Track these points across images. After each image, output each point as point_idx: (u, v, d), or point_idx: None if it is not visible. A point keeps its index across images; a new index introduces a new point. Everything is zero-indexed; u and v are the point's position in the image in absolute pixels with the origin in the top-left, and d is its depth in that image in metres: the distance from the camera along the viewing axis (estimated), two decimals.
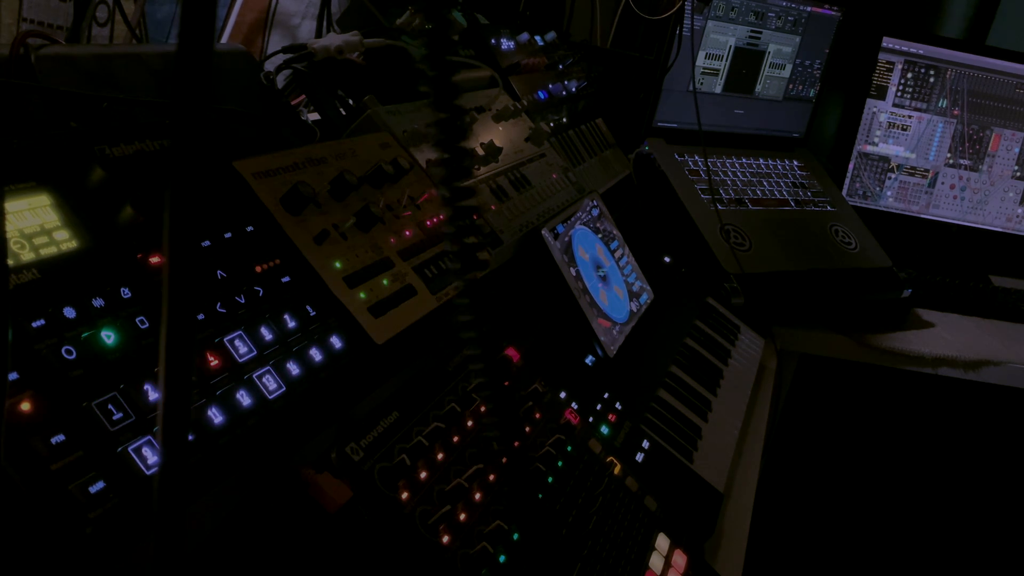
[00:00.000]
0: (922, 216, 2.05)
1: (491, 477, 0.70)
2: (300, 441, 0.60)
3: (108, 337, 0.52)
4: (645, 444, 0.95)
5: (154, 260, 0.58)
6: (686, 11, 1.68)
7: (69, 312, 0.51)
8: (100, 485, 0.46)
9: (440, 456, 0.68)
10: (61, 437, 0.46)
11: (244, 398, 0.57)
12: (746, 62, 1.83)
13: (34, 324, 0.49)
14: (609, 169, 1.55)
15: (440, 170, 0.34)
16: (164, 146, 0.66)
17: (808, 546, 2.25)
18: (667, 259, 1.49)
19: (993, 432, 2.25)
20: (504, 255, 0.98)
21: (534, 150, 1.24)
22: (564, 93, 1.50)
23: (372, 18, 1.17)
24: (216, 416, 0.55)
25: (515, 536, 0.67)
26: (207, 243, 0.64)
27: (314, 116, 1.04)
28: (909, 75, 1.98)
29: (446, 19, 0.33)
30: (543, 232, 1.03)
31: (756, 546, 1.06)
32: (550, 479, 0.76)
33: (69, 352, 0.49)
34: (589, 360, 1.01)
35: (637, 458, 0.92)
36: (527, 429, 0.79)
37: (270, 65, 1.02)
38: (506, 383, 0.38)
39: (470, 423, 0.73)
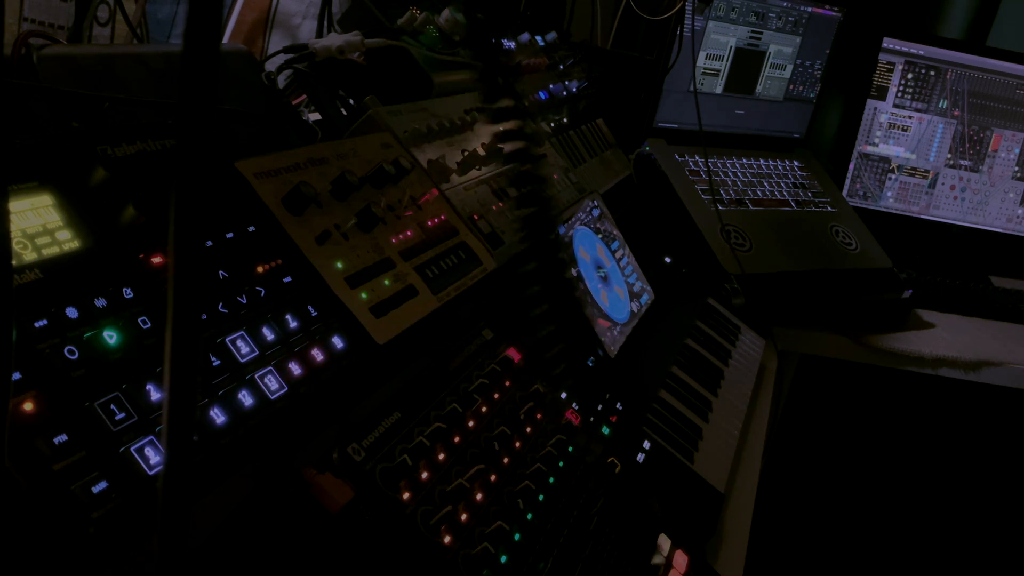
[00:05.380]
0: (922, 217, 2.05)
1: (492, 478, 0.70)
2: (302, 441, 0.60)
3: (110, 337, 0.52)
4: (646, 444, 0.95)
5: (156, 260, 0.58)
6: (687, 11, 1.68)
7: (71, 312, 0.51)
8: (103, 485, 0.46)
9: (441, 456, 0.68)
10: (64, 437, 0.46)
11: (246, 398, 0.57)
12: (747, 62, 1.83)
13: (37, 324, 0.49)
14: (610, 169, 1.55)
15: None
16: (166, 146, 0.66)
17: (808, 546, 2.25)
18: (668, 259, 1.49)
19: (993, 433, 2.25)
20: (505, 256, 0.98)
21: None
22: (565, 93, 1.50)
23: (373, 18, 1.17)
24: (218, 416, 0.55)
25: (516, 537, 0.67)
26: (209, 243, 0.64)
27: (315, 116, 1.04)
28: (909, 76, 1.98)
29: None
30: None
31: (757, 546, 1.06)
32: (551, 480, 0.76)
33: (71, 352, 0.49)
34: (590, 361, 1.01)
35: (638, 458, 0.92)
36: (528, 430, 0.79)
37: (271, 65, 1.03)
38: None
39: (471, 423, 0.73)
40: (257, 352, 0.61)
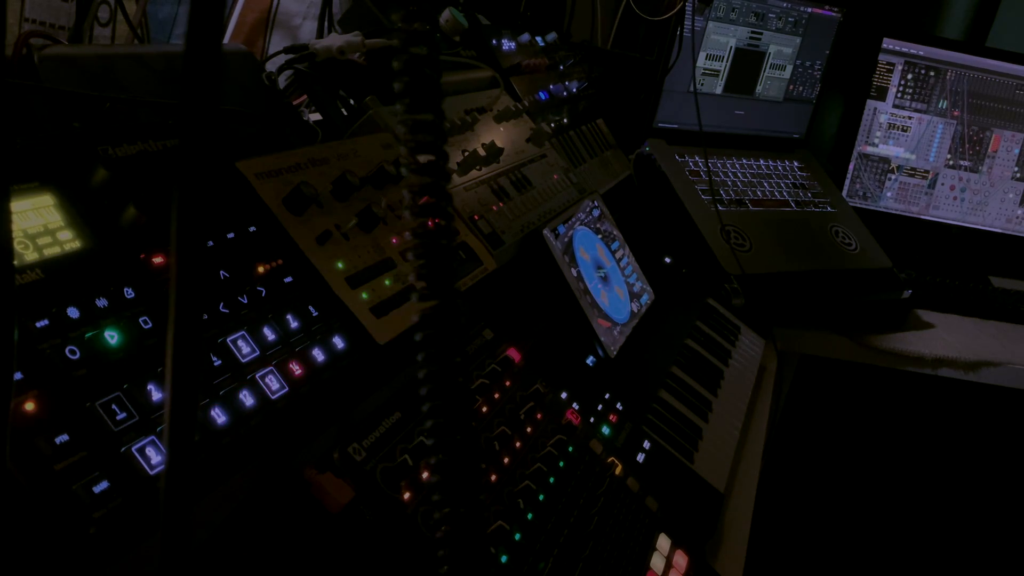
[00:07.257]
0: (922, 217, 2.05)
1: (493, 478, 0.71)
2: (303, 441, 0.60)
3: (111, 337, 0.52)
4: (646, 444, 0.95)
5: (157, 260, 0.58)
6: (687, 12, 1.68)
7: (73, 312, 0.51)
8: (104, 485, 0.46)
9: None
10: (65, 437, 0.46)
11: (247, 398, 0.57)
12: (747, 63, 1.83)
13: (38, 324, 0.49)
14: (610, 170, 1.55)
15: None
16: (167, 146, 0.66)
17: (808, 546, 2.25)
18: (668, 260, 1.49)
19: (993, 433, 2.25)
20: (506, 256, 0.99)
21: (535, 151, 1.24)
22: (565, 94, 1.50)
23: (373, 19, 1.17)
24: (219, 416, 0.55)
25: (517, 536, 0.67)
26: (211, 243, 0.64)
27: (315, 116, 1.04)
28: (909, 76, 1.98)
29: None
30: (544, 232, 1.03)
31: (757, 546, 1.06)
32: (551, 480, 0.76)
33: (73, 352, 0.49)
34: (590, 360, 1.01)
35: (638, 458, 0.92)
36: (529, 430, 0.79)
37: (272, 65, 1.03)
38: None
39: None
40: (258, 352, 0.61)
